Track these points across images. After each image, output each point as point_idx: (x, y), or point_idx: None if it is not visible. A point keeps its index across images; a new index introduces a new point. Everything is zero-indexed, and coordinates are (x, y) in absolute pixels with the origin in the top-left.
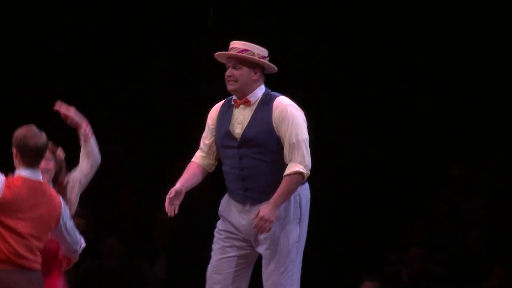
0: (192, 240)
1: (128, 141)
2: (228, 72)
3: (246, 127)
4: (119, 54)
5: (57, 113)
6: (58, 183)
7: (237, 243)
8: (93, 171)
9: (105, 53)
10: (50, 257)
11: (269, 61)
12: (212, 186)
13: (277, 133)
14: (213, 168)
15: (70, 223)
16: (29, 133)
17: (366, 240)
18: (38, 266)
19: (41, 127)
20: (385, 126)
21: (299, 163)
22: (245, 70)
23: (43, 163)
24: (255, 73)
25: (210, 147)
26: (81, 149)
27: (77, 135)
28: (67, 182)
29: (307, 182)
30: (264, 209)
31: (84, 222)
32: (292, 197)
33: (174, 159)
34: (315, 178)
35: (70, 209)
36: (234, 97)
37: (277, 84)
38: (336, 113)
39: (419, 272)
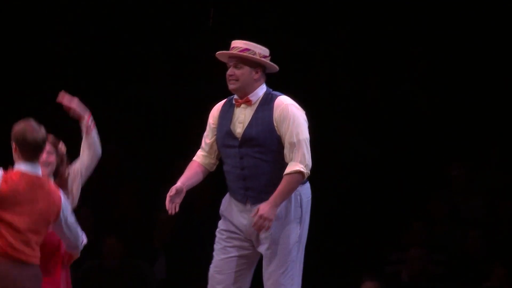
0: (192, 240)
1: (128, 141)
2: (229, 72)
3: (247, 127)
4: (119, 54)
5: (57, 113)
6: (59, 175)
7: (239, 243)
8: (93, 163)
9: (105, 53)
10: (51, 249)
11: (270, 60)
12: (213, 186)
13: (278, 133)
14: (214, 167)
15: (71, 219)
16: (27, 127)
17: (366, 240)
18: (35, 260)
19: None
20: (385, 126)
21: (299, 162)
22: (246, 69)
23: (44, 156)
24: (257, 72)
25: (211, 146)
26: (83, 141)
27: (77, 135)
28: (68, 174)
29: (308, 182)
30: (263, 207)
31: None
32: (293, 196)
33: (174, 159)
34: (315, 178)
35: (71, 202)
36: (235, 96)
37: (277, 84)
38: (336, 113)
39: (419, 272)
